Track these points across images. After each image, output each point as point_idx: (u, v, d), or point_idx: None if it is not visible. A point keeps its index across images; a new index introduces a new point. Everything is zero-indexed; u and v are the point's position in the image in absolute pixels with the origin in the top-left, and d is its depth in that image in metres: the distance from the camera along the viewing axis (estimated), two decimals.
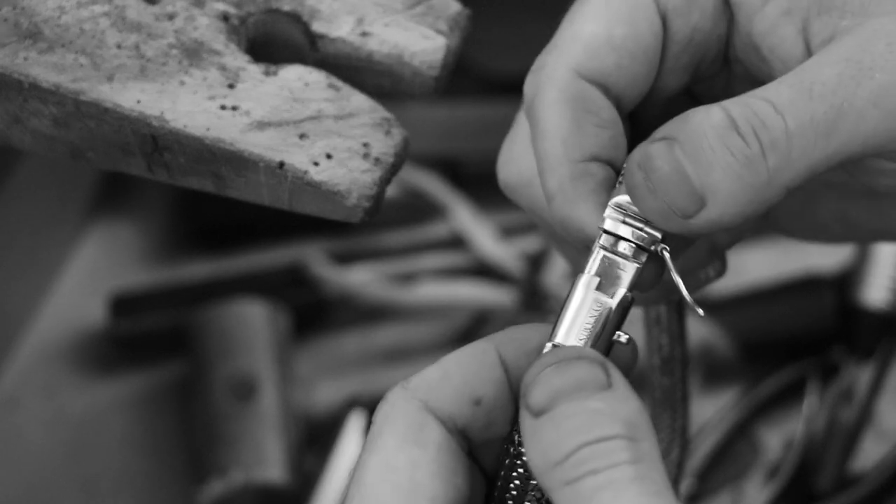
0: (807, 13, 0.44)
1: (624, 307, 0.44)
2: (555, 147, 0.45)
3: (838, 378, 0.85)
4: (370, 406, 0.82)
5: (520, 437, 0.42)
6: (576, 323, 0.43)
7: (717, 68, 0.48)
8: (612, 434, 0.39)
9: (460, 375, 0.43)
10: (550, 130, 0.45)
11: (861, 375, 0.85)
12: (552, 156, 0.45)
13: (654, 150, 0.41)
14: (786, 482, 0.82)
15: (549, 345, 0.43)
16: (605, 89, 0.46)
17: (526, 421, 0.40)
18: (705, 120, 0.40)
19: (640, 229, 0.43)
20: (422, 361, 0.85)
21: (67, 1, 0.52)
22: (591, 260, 0.44)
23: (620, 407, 0.39)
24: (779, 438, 0.85)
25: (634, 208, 0.43)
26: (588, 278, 0.44)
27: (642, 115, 0.48)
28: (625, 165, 0.44)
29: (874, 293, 0.85)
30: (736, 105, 0.40)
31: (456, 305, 0.88)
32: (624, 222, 0.43)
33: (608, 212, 0.44)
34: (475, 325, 0.90)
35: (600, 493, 0.38)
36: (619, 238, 0.43)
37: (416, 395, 0.43)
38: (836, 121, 0.39)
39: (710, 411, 0.85)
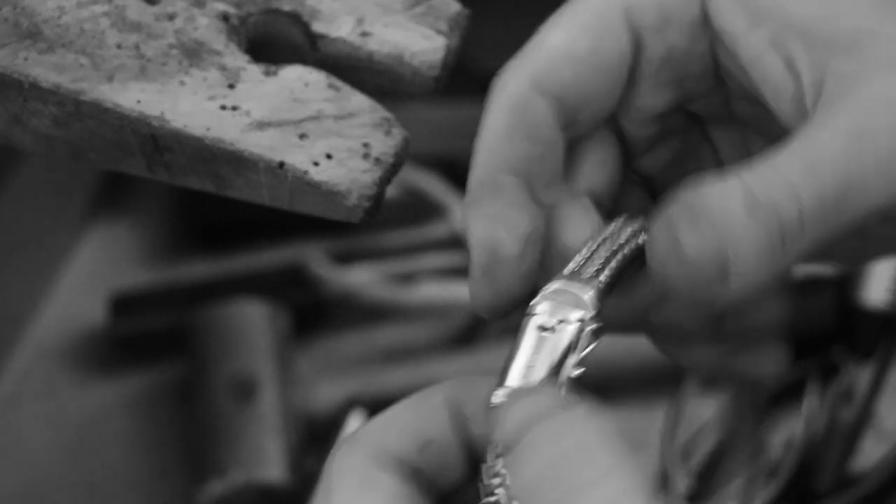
0: (793, 46, 0.43)
1: (575, 342, 0.44)
2: (481, 152, 0.46)
3: (838, 378, 0.85)
4: (370, 406, 0.82)
5: (487, 476, 0.42)
6: (527, 365, 0.43)
7: (710, 85, 0.47)
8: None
9: (405, 419, 0.43)
10: (484, 136, 0.46)
11: (861, 375, 0.85)
12: (476, 159, 0.46)
13: (679, 219, 0.41)
14: (786, 482, 0.82)
15: (500, 391, 0.43)
16: (561, 103, 0.46)
17: (500, 459, 0.40)
18: (730, 194, 0.40)
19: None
20: (422, 361, 0.85)
21: (68, 1, 0.53)
22: (535, 301, 0.44)
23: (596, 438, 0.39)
24: (779, 438, 0.85)
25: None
26: (533, 319, 0.43)
27: (633, 132, 0.48)
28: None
29: (874, 293, 0.85)
30: (755, 178, 0.40)
31: (456, 305, 0.88)
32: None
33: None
34: (475, 325, 0.90)
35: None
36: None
37: (363, 446, 0.42)
38: (846, 196, 0.40)
39: (710, 411, 0.85)
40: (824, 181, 0.40)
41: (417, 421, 0.43)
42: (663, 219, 0.42)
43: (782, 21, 0.43)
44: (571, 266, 0.44)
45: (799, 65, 0.43)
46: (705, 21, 0.46)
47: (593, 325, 0.43)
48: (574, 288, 0.44)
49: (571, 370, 0.43)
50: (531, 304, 0.43)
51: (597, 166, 0.48)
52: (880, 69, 0.41)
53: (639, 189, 0.50)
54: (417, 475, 0.42)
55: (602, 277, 0.44)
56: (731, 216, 0.40)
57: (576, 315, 0.43)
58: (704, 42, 0.46)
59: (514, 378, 0.43)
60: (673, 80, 0.47)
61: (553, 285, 0.44)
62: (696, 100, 0.48)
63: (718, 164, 0.49)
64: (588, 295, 0.43)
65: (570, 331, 0.43)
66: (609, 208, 0.48)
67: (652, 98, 0.47)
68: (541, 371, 0.43)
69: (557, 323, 0.43)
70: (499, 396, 0.42)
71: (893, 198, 0.40)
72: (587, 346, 0.43)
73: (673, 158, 0.49)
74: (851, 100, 0.41)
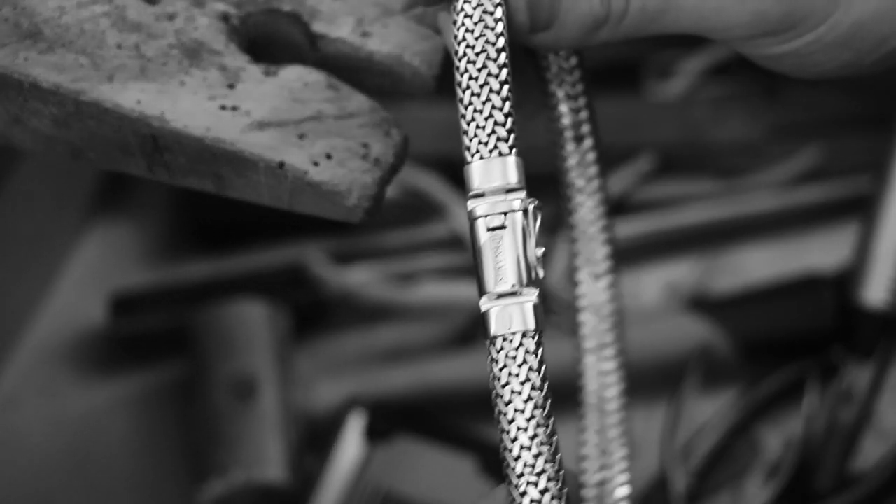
0: None
1: (527, 226, 0.46)
2: None
3: (838, 378, 0.85)
4: (370, 406, 0.82)
5: None
6: (495, 267, 0.45)
7: None
8: None
9: None
10: None
11: (861, 375, 0.85)
12: None
13: None
14: (786, 482, 0.82)
15: (484, 298, 0.45)
16: None
17: None
18: None
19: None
20: (422, 361, 0.85)
21: (68, 1, 0.53)
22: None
23: None
24: (779, 438, 0.85)
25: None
26: (479, 223, 0.45)
27: None
28: None
29: (874, 293, 0.85)
30: None
31: (456, 305, 0.88)
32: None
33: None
34: (475, 326, 0.90)
35: None
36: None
37: None
38: (664, 12, 0.47)
39: (710, 411, 0.85)
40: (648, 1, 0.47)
41: None
42: None
43: None
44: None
45: None
46: None
47: (533, 203, 0.45)
48: (496, 166, 0.45)
49: (535, 252, 0.45)
50: (470, 208, 0.45)
51: None
52: None
53: None
54: None
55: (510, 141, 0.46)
56: None
57: (515, 201, 0.45)
58: None
59: (490, 283, 0.45)
60: None
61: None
62: None
63: None
64: (512, 168, 0.45)
65: (518, 220, 0.45)
66: None
67: None
68: (510, 269, 0.45)
69: (504, 216, 0.45)
70: (484, 303, 0.45)
71: (699, 27, 0.48)
72: (537, 223, 0.45)
73: None
74: None
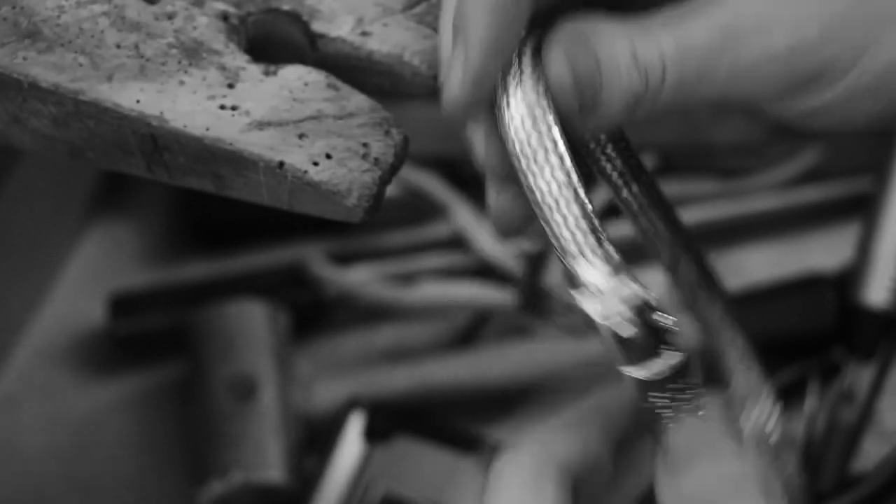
0: None
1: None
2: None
3: (839, 378, 0.85)
4: (370, 406, 0.82)
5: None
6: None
7: None
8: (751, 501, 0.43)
9: (568, 428, 0.47)
10: None
11: (862, 376, 0.85)
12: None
13: (578, 52, 0.46)
14: None
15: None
16: None
17: (664, 478, 0.44)
18: (619, 46, 0.46)
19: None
20: (422, 361, 0.85)
21: (67, 0, 0.52)
22: None
23: (754, 472, 0.44)
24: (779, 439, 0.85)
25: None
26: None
27: None
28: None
29: (875, 293, 0.85)
30: (641, 40, 0.46)
31: (456, 305, 0.88)
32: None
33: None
34: (475, 325, 0.90)
35: None
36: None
37: (530, 452, 0.46)
38: (700, 82, 0.46)
39: None
40: (688, 64, 0.46)
41: (579, 431, 0.46)
42: (561, 46, 0.46)
43: None
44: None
45: None
46: None
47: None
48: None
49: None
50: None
51: None
52: None
53: None
54: (576, 486, 0.45)
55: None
56: (614, 64, 0.46)
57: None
58: None
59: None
60: None
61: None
62: None
63: None
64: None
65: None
66: None
67: None
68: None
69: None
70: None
71: (734, 93, 0.47)
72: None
73: None
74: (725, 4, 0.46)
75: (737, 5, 0.46)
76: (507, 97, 0.46)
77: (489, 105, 0.48)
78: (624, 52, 0.46)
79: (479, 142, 0.50)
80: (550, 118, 0.46)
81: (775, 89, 0.46)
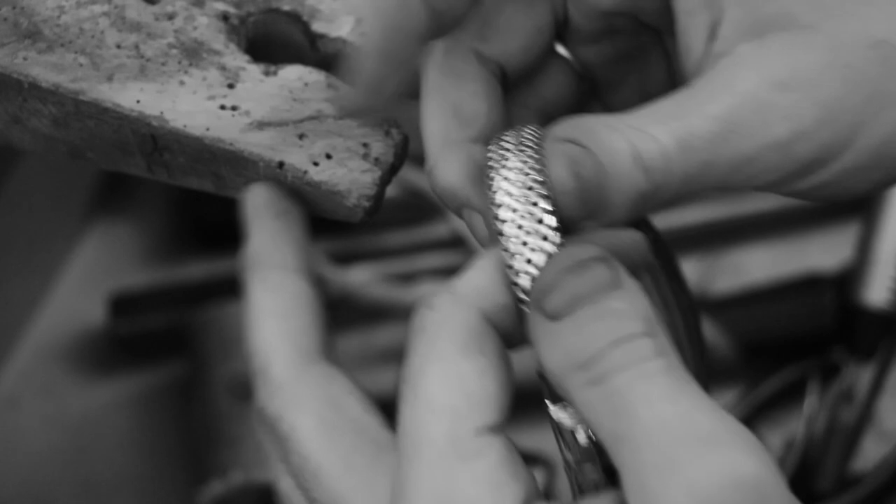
0: (719, 16, 0.47)
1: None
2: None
3: (839, 378, 0.85)
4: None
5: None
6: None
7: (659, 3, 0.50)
8: (636, 332, 0.40)
9: (483, 280, 0.45)
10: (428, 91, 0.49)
11: (862, 375, 0.85)
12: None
13: (580, 156, 0.45)
14: (786, 482, 0.82)
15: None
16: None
17: (540, 326, 0.42)
18: (619, 147, 0.45)
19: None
20: None
21: (67, 1, 0.52)
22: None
23: (637, 304, 0.41)
24: (779, 438, 0.85)
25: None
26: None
27: (577, 19, 0.50)
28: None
29: (874, 293, 0.85)
30: (641, 139, 0.45)
31: None
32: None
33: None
34: None
35: (633, 387, 0.39)
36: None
37: (468, 302, 0.44)
38: (702, 174, 0.46)
39: None
40: (689, 158, 0.46)
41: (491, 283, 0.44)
42: (561, 148, 0.45)
43: None
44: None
45: (719, 33, 0.47)
46: None
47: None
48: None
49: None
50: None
51: (518, 29, 0.50)
52: (749, 67, 0.46)
53: (566, 67, 0.52)
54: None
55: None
56: (618, 164, 0.45)
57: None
58: None
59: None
60: None
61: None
62: (647, 13, 0.50)
63: (669, 71, 0.52)
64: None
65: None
66: (525, 72, 0.51)
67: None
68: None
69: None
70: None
71: (735, 181, 0.47)
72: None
73: (616, 55, 0.52)
74: (729, 88, 0.46)
75: (732, 95, 0.46)
76: (498, 180, 0.45)
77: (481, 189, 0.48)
78: (625, 153, 0.45)
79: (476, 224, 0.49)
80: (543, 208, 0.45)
81: (777, 176, 0.46)
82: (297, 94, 0.52)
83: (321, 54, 0.54)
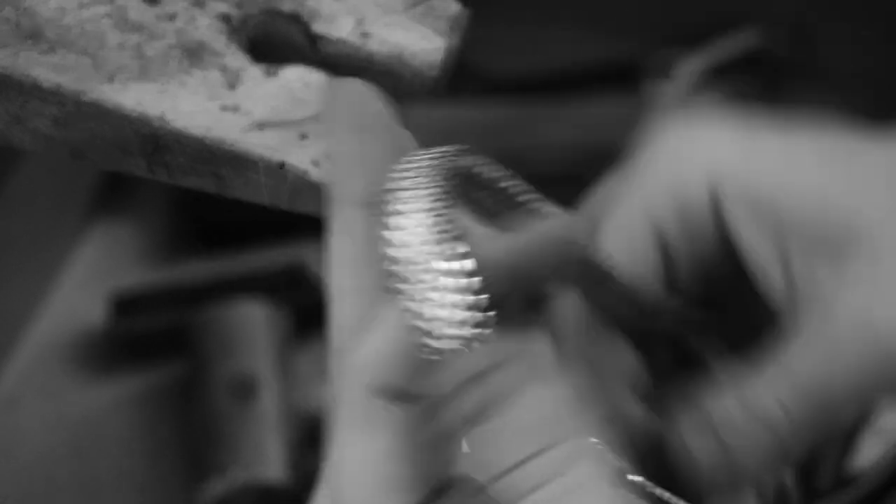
0: (790, 247, 0.48)
1: None
2: None
3: None
4: None
5: None
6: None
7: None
8: None
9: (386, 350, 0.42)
10: None
11: None
12: None
13: (692, 434, 0.46)
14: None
15: None
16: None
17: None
18: (732, 411, 0.46)
19: None
20: None
21: (69, 2, 0.53)
22: None
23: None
24: None
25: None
26: None
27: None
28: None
29: None
30: (752, 397, 0.46)
31: None
32: None
33: None
34: None
35: None
36: None
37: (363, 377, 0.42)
38: (825, 411, 0.47)
39: None
40: (812, 401, 0.46)
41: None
42: (678, 432, 0.47)
43: (779, 221, 0.48)
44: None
45: (792, 267, 0.48)
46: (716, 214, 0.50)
47: None
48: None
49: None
50: None
51: None
52: (858, 282, 0.47)
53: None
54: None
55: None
56: (735, 430, 0.47)
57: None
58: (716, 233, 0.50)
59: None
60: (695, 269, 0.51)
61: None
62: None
63: None
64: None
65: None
66: None
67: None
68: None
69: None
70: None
71: (864, 405, 0.49)
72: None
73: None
74: (827, 324, 0.47)
75: (824, 327, 0.46)
76: None
77: None
78: (741, 417, 0.46)
79: None
80: None
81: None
82: (298, 94, 0.52)
83: (322, 55, 0.54)
